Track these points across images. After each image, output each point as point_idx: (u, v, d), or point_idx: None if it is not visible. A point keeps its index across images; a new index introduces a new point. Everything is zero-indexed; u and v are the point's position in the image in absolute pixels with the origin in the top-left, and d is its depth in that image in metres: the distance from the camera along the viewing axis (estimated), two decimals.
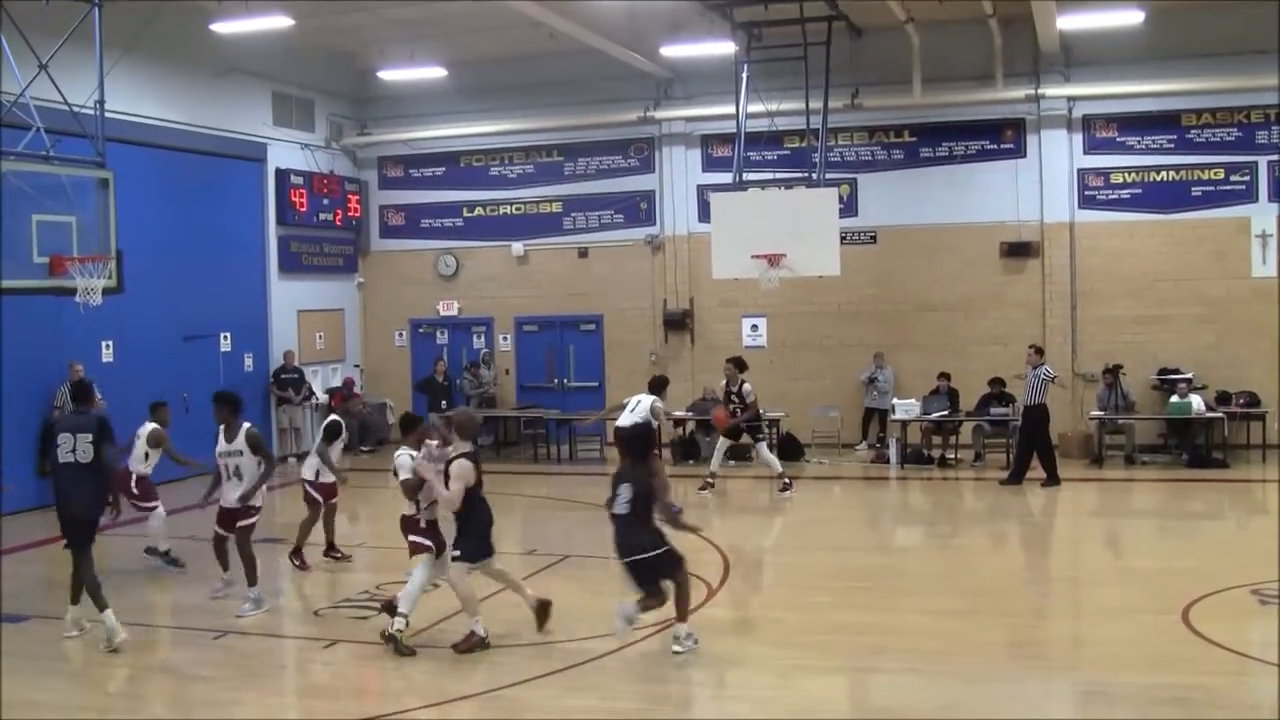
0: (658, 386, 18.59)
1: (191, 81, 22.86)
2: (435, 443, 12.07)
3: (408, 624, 11.35)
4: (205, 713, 10.05)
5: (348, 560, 15.38)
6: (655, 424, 18.04)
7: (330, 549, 15.47)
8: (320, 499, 15.30)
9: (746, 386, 20.25)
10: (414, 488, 11.68)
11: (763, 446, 20.67)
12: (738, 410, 20.26)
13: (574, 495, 19.83)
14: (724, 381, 20.89)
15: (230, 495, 13.34)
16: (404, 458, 12.05)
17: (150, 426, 15.19)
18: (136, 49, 19.49)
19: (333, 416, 15.71)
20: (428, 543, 11.81)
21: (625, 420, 17.87)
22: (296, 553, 15.10)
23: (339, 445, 15.61)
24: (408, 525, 11.90)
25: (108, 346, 20.98)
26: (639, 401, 18.08)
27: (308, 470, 15.50)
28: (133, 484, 15.03)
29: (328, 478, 15.33)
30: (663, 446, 21.89)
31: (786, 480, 20.24)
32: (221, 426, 13.35)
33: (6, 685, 10.41)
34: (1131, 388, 22.67)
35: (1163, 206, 23.19)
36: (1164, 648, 10.95)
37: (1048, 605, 13.50)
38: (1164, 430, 22.62)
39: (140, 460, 15.18)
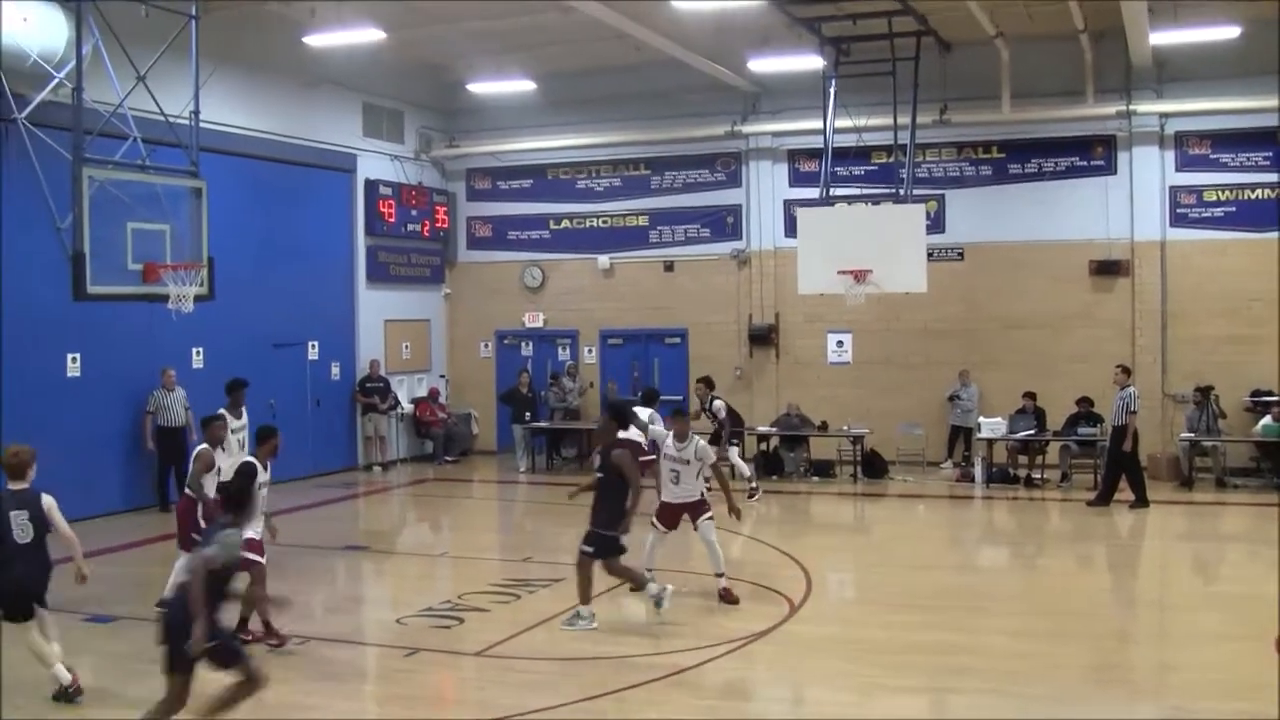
0: (651, 400, 19.48)
1: (284, 93, 23.17)
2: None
3: None
4: (287, 716, 10.10)
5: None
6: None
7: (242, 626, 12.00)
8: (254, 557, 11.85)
9: (717, 404, 21.53)
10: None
11: (733, 452, 21.82)
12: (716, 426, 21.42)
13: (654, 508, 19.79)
14: (697, 402, 21.95)
15: None
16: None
17: (200, 447, 13.16)
18: (230, 61, 19.79)
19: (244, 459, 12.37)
20: None
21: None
22: (269, 630, 12.11)
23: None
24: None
25: (198, 353, 21.28)
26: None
27: None
28: (199, 516, 12.75)
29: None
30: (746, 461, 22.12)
31: (755, 487, 21.14)
32: None
33: (93, 682, 10.59)
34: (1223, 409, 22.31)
35: (1257, 225, 22.78)
36: (1252, 675, 10.73)
37: (1133, 629, 13.36)
38: (1256, 453, 22.26)
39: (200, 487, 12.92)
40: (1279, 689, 9.74)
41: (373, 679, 11.62)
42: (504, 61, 24.40)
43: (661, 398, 20.32)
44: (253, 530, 11.64)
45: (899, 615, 13.12)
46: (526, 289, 27.78)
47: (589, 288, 27.35)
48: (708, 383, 22.00)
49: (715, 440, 21.40)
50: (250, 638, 11.75)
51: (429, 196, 27.32)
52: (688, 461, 13.51)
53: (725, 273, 26.23)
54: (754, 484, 21.16)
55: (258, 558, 11.85)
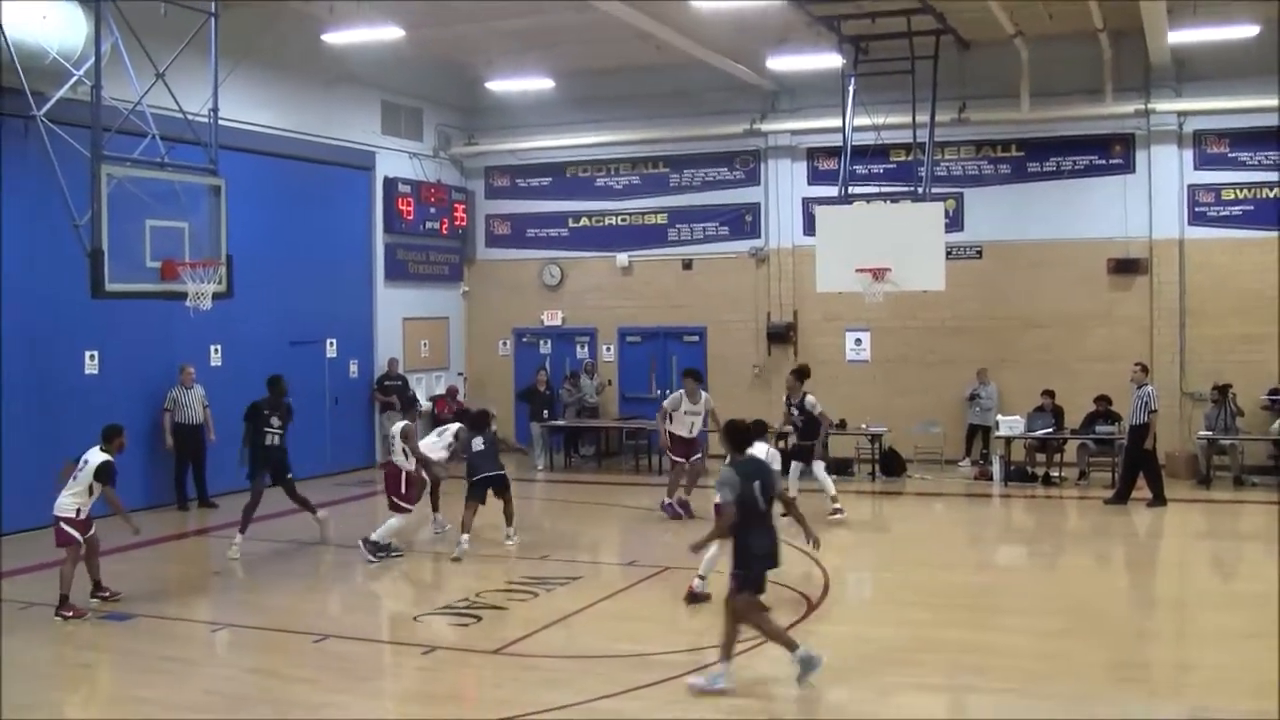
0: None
1: (303, 90, 23.22)
2: None
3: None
4: (303, 714, 10.13)
5: (117, 599, 13.82)
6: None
7: (98, 589, 13.84)
8: (79, 536, 13.34)
9: (810, 399, 19.23)
10: None
11: (818, 466, 19.40)
12: (796, 426, 19.34)
13: None
14: (785, 395, 19.69)
15: None
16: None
17: (401, 423, 16.72)
18: (250, 58, 19.79)
19: (105, 457, 13.46)
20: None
21: (684, 431, 19.03)
22: (64, 603, 13.11)
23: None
24: None
25: (216, 350, 21.35)
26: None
27: (67, 508, 13.33)
28: (402, 483, 16.17)
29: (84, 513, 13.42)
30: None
31: (839, 507, 18.96)
32: None
33: (112, 681, 10.64)
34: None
35: (1275, 223, 22.69)
36: (1271, 674, 10.71)
37: (1152, 627, 13.32)
38: (1274, 451, 22.16)
39: (402, 457, 16.26)
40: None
41: (390, 677, 11.63)
42: (523, 60, 24.40)
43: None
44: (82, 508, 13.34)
45: (917, 614, 13.11)
46: (545, 287, 27.80)
47: (607, 286, 27.37)
48: (799, 374, 19.73)
49: (804, 452, 19.42)
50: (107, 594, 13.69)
51: (448, 194, 27.35)
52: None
53: (743, 271, 26.22)
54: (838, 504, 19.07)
55: (78, 535, 13.28)
